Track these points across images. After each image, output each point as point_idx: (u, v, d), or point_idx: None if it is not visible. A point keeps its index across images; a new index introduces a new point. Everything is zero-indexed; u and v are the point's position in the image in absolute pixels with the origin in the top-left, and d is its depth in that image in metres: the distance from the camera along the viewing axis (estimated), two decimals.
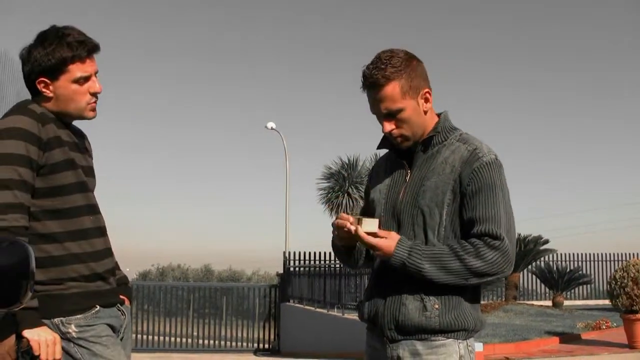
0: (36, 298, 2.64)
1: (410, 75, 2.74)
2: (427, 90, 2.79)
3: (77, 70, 2.85)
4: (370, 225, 2.70)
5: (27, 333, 2.61)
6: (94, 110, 2.96)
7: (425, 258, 2.65)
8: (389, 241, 2.69)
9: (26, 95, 2.96)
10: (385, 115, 2.78)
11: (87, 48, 2.87)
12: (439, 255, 2.65)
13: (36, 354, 2.61)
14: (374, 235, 2.69)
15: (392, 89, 2.72)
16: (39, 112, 2.84)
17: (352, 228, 2.70)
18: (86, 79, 2.88)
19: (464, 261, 2.62)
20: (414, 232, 2.75)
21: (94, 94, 2.93)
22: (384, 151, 3.07)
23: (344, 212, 2.81)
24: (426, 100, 2.80)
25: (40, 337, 2.62)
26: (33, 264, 1.86)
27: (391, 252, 2.67)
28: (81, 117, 2.97)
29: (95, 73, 2.93)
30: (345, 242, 2.86)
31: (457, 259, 2.63)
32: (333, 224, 2.81)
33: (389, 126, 2.79)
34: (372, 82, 2.73)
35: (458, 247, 2.66)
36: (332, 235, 2.87)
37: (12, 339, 2.63)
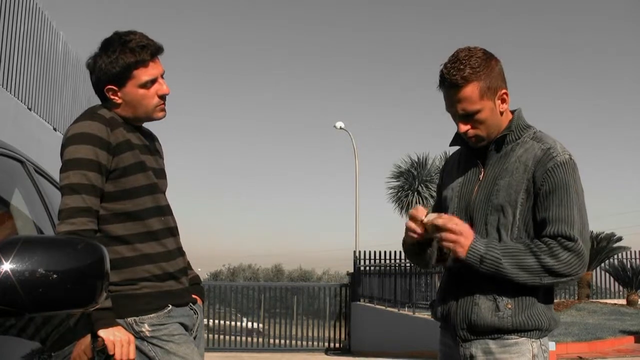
0: (110, 298, 2.69)
1: (488, 76, 2.69)
2: (504, 91, 2.75)
3: (142, 75, 2.87)
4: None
5: (102, 333, 2.66)
6: (163, 110, 2.98)
7: (502, 253, 2.61)
8: (464, 237, 2.65)
9: (97, 100, 3.01)
10: (462, 116, 2.74)
11: (149, 51, 2.88)
12: (514, 251, 2.62)
13: (111, 353, 2.65)
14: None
15: (471, 90, 2.67)
16: (108, 117, 2.88)
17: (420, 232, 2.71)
18: (152, 82, 2.90)
19: (539, 258, 2.58)
20: (486, 231, 2.72)
21: (162, 96, 2.95)
22: (454, 148, 3.05)
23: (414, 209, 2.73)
24: (503, 101, 2.76)
25: (115, 337, 2.67)
26: (108, 264, 1.89)
27: (468, 246, 2.64)
28: (150, 119, 3.00)
29: (162, 74, 2.94)
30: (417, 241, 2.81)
31: (532, 255, 2.59)
32: (407, 225, 2.78)
33: (465, 127, 2.75)
34: (451, 83, 2.69)
35: (532, 244, 2.62)
36: (404, 235, 2.85)
37: (88, 338, 2.69)
